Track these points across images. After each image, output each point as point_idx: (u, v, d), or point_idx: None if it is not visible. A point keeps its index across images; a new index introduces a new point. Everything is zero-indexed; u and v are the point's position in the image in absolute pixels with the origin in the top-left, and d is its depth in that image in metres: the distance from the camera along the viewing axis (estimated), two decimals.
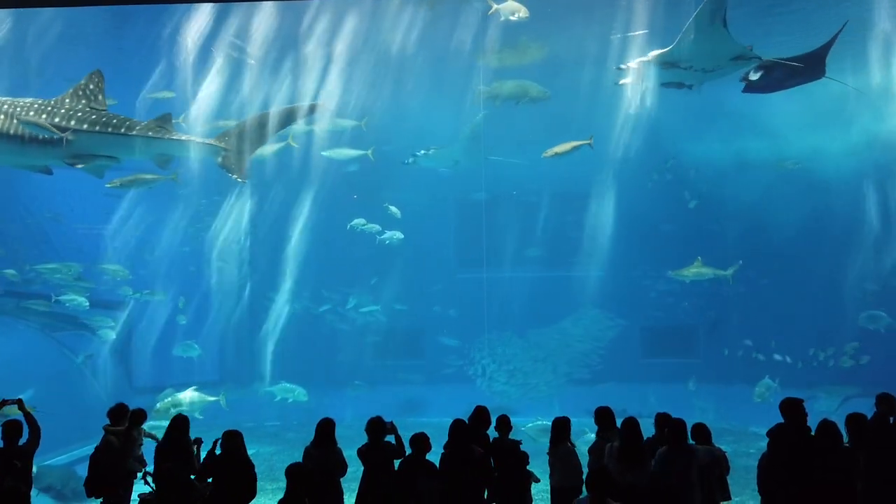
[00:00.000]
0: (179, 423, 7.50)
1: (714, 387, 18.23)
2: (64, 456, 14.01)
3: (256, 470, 7.06)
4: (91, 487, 7.49)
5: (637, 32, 14.58)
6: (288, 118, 13.12)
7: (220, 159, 12.22)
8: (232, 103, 17.45)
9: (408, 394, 19.53)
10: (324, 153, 18.17)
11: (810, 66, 13.27)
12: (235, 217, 20.02)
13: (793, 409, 6.88)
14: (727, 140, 19.50)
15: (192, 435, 7.52)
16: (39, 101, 11.51)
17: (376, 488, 7.01)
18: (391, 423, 7.33)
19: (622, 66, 13.01)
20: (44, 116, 11.18)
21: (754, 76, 13.15)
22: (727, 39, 11.83)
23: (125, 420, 7.71)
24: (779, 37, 15.64)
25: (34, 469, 7.26)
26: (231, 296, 20.26)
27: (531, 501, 7.23)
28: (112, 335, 17.75)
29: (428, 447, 7.03)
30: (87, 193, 16.15)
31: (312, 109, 14.55)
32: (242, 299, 20.40)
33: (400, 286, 20.92)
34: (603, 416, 7.47)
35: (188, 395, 14.69)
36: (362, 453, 7.18)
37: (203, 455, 7.18)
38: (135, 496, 7.33)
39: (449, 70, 17.29)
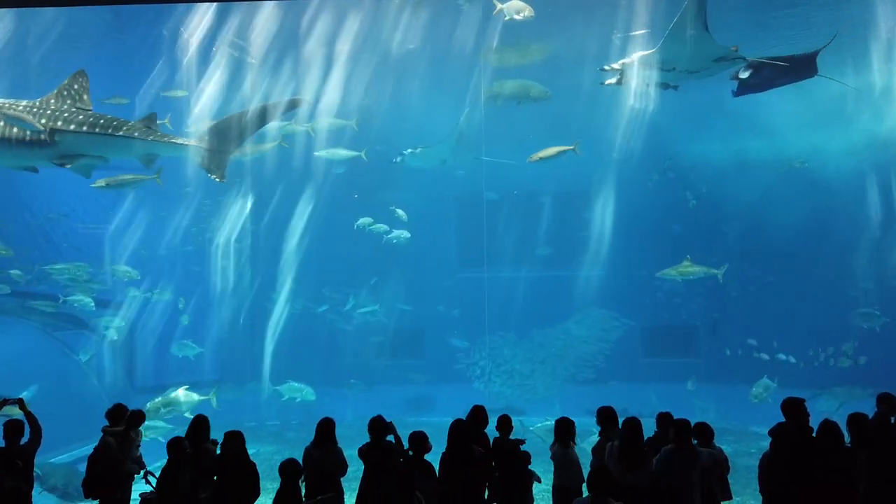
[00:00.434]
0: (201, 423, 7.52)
1: (715, 386, 18.22)
2: (65, 455, 14.02)
3: (257, 469, 7.06)
4: (89, 488, 7.48)
5: (638, 32, 14.57)
6: (267, 115, 13.03)
7: (199, 159, 12.23)
8: (233, 102, 17.46)
9: (410, 393, 19.55)
10: (317, 153, 18.18)
11: (801, 65, 13.36)
12: (237, 217, 20.02)
13: (795, 408, 6.87)
14: (728, 140, 19.49)
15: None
16: (24, 102, 11.52)
17: (376, 488, 7.01)
18: (390, 422, 7.33)
19: (605, 68, 13.13)
20: (29, 117, 11.19)
21: (743, 74, 13.24)
22: (709, 42, 12.01)
23: (123, 421, 7.71)
24: (784, 30, 15.68)
25: (38, 469, 7.26)
26: (232, 295, 20.25)
27: (532, 501, 7.22)
28: (117, 333, 17.77)
29: (426, 447, 7.02)
30: (88, 193, 16.13)
31: (293, 105, 14.43)
32: (243, 299, 20.40)
33: (401, 286, 20.93)
34: (605, 416, 7.47)
35: (179, 395, 14.57)
36: (363, 453, 7.18)
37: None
38: (135, 496, 7.34)
39: (450, 70, 17.29)
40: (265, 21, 15.70)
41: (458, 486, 6.92)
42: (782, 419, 6.97)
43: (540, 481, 7.24)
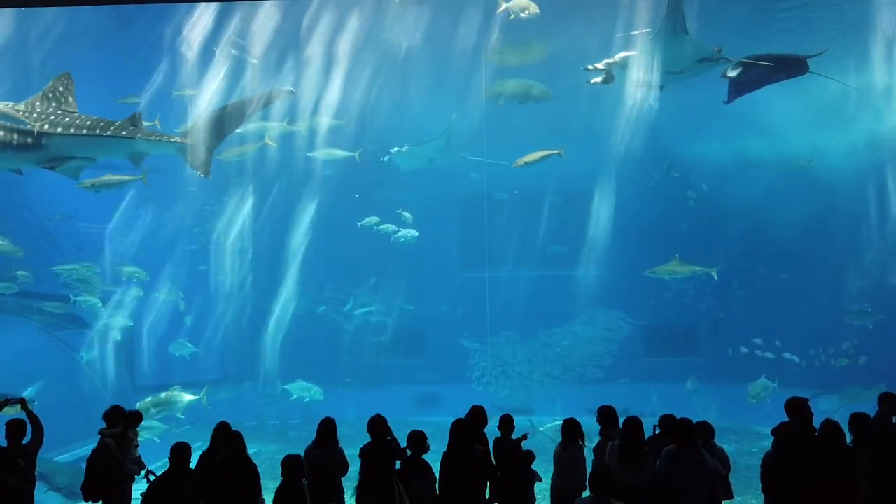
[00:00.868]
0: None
1: (716, 386, 18.21)
2: (67, 455, 14.03)
3: (259, 469, 7.05)
4: (88, 491, 7.48)
5: (639, 31, 14.58)
6: (248, 108, 13.01)
7: (184, 156, 12.26)
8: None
9: (411, 393, 19.53)
10: (310, 154, 18.18)
11: (791, 64, 13.45)
12: (239, 217, 20.02)
13: (798, 408, 6.87)
14: (730, 139, 19.49)
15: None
16: (10, 104, 11.51)
17: (377, 487, 7.00)
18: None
19: (589, 67, 13.24)
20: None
21: (732, 73, 13.44)
22: (690, 45, 12.32)
23: (121, 422, 7.71)
24: (784, 29, 15.70)
25: (43, 468, 7.25)
26: (234, 295, 20.27)
27: (534, 501, 7.22)
28: (122, 333, 17.80)
29: (425, 447, 7.01)
30: (90, 194, 16.15)
31: (274, 97, 14.41)
32: (245, 298, 20.41)
33: (403, 286, 20.93)
34: (606, 416, 7.48)
35: (170, 395, 14.55)
36: (364, 452, 7.18)
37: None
38: (137, 495, 7.33)
39: (451, 69, 17.29)
40: (266, 21, 15.70)
41: (459, 486, 6.92)
42: (783, 418, 6.96)
43: (541, 480, 7.25)
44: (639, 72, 13.05)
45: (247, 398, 19.12)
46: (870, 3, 15.22)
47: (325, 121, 17.82)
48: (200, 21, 15.40)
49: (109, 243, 18.87)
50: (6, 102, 11.51)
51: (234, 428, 7.15)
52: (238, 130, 17.04)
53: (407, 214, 18.83)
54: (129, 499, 7.66)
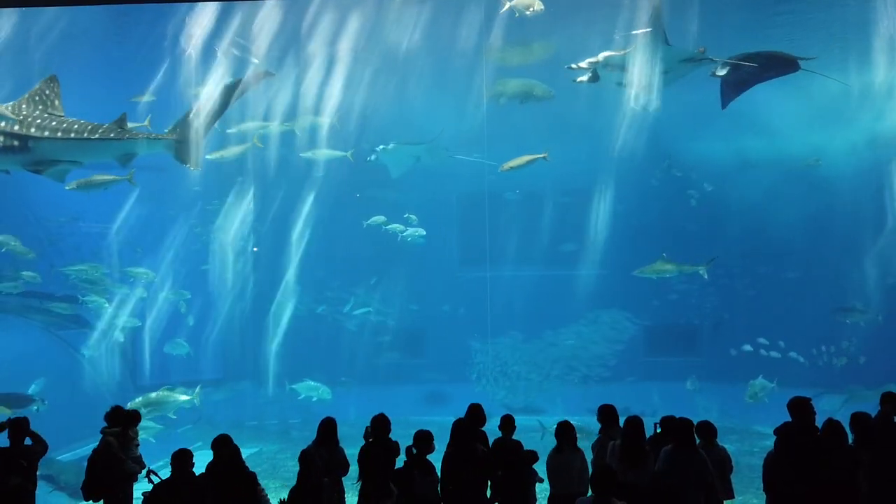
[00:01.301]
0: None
1: (718, 385, 18.20)
2: (68, 454, 14.05)
3: (260, 468, 7.05)
4: (89, 490, 7.48)
5: (640, 31, 14.58)
6: (228, 96, 13.05)
7: (173, 152, 12.30)
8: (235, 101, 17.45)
9: (412, 393, 19.53)
10: (302, 154, 18.21)
11: (780, 62, 13.54)
12: (240, 217, 20.04)
13: (800, 407, 6.86)
14: (731, 139, 19.50)
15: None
16: None
17: (377, 487, 7.01)
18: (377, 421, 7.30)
19: (573, 66, 13.40)
20: (2, 124, 11.15)
21: (721, 72, 13.59)
22: (672, 51, 12.72)
23: (121, 422, 7.72)
24: (782, 29, 15.72)
25: (49, 469, 7.21)
26: (235, 295, 20.28)
27: (535, 500, 7.22)
28: (126, 332, 17.81)
29: (430, 447, 7.01)
30: (94, 195, 16.18)
31: (255, 81, 14.43)
32: (246, 298, 20.42)
33: (404, 286, 20.93)
34: (606, 415, 7.47)
35: (161, 395, 14.43)
36: (364, 451, 7.18)
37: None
38: (138, 494, 7.34)
39: (451, 68, 17.29)
40: (267, 20, 15.71)
41: (460, 485, 6.92)
42: (784, 418, 6.96)
43: (542, 481, 7.24)
44: (622, 71, 13.31)
45: (247, 398, 19.14)
46: (871, 2, 15.21)
47: (313, 119, 17.85)
48: (201, 21, 15.41)
49: (111, 244, 18.90)
50: None
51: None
52: (235, 130, 17.16)
53: (413, 217, 18.87)
54: (131, 498, 7.67)
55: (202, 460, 6.98)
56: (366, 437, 7.25)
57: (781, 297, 19.24)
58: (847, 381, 17.43)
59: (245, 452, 14.68)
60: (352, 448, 7.33)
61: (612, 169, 19.41)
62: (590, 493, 6.23)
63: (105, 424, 7.77)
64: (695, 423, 7.00)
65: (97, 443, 7.63)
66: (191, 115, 12.32)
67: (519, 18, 13.81)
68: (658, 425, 7.22)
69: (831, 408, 15.32)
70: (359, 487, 7.17)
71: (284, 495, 6.52)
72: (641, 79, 13.37)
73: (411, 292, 21.14)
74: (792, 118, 18.42)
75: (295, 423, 17.96)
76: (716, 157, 19.86)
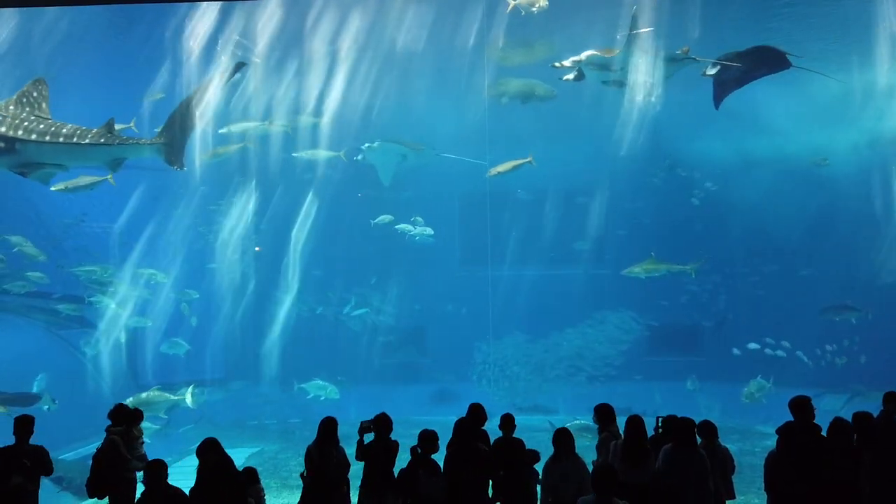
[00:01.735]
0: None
1: (719, 385, 18.18)
2: (70, 453, 14.07)
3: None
4: (94, 488, 7.49)
5: (642, 30, 14.57)
6: (206, 94, 13.14)
7: (160, 155, 12.35)
8: (236, 101, 17.49)
9: (414, 392, 19.53)
10: (294, 154, 18.22)
11: (770, 59, 13.59)
12: (244, 217, 20.06)
13: (801, 407, 6.85)
14: (734, 138, 19.48)
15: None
16: None
17: (379, 486, 7.01)
18: (370, 422, 7.30)
19: (556, 65, 13.48)
20: None
21: (711, 71, 13.71)
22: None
23: (124, 420, 7.73)
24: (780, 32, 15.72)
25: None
26: (237, 294, 20.30)
27: (536, 500, 7.21)
28: (133, 332, 17.84)
29: (435, 447, 6.99)
30: (98, 196, 16.20)
31: (228, 75, 14.50)
32: (248, 298, 20.44)
33: (408, 285, 20.94)
34: (602, 413, 7.43)
35: (151, 395, 14.39)
36: (366, 450, 7.18)
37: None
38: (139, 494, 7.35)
39: (453, 68, 17.29)
40: (269, 20, 15.73)
41: (462, 485, 6.92)
42: (786, 417, 6.94)
43: None
44: (602, 71, 13.47)
45: (249, 397, 19.14)
46: (872, 1, 15.20)
47: (304, 119, 17.88)
48: (203, 20, 15.43)
49: (115, 244, 18.93)
50: None
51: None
52: (225, 130, 17.18)
53: (419, 220, 18.89)
54: (134, 496, 7.67)
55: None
56: (361, 431, 7.23)
57: (785, 296, 19.22)
58: (848, 380, 17.41)
59: (246, 452, 14.72)
60: (353, 448, 7.33)
61: (615, 169, 19.40)
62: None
63: (109, 423, 7.78)
64: (697, 422, 6.99)
65: (100, 442, 7.64)
66: (174, 117, 12.36)
67: (519, 18, 13.82)
68: (660, 418, 7.20)
69: (833, 407, 15.32)
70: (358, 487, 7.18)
71: (284, 495, 6.51)
72: (625, 79, 13.58)
73: (416, 292, 21.12)
74: (800, 118, 18.42)
75: (295, 422, 17.96)
76: (721, 156, 19.84)
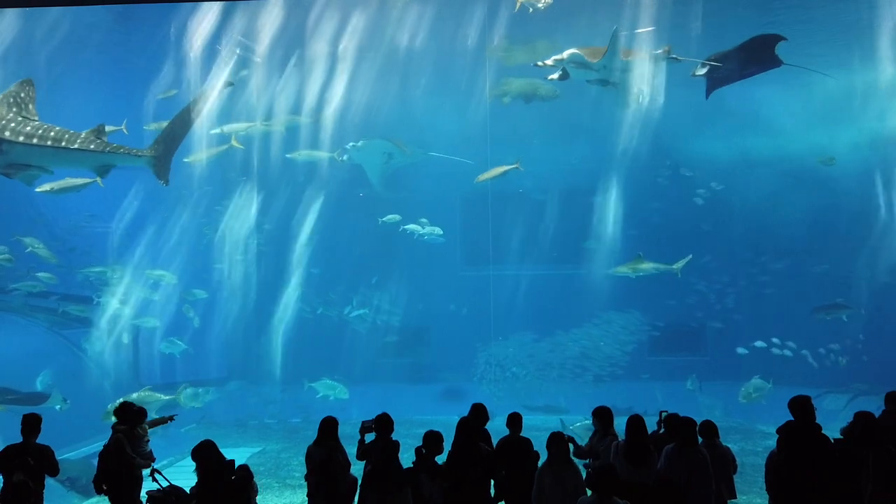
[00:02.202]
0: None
1: (721, 385, 18.16)
2: (73, 452, 14.09)
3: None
4: (102, 484, 7.52)
5: (644, 29, 14.59)
6: (194, 111, 13.09)
7: (150, 167, 12.34)
8: (237, 101, 17.51)
9: (415, 392, 19.52)
10: (288, 155, 18.22)
11: (763, 57, 13.62)
12: (246, 218, 20.08)
13: (802, 406, 6.84)
14: (736, 138, 19.46)
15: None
16: None
17: (380, 486, 7.01)
18: (371, 422, 7.31)
19: (539, 63, 13.58)
20: None
21: (700, 71, 13.88)
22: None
23: (129, 418, 7.76)
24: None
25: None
26: (239, 294, 20.32)
27: None
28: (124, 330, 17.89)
29: (439, 449, 6.98)
30: (100, 196, 16.24)
31: (214, 92, 14.54)
32: (250, 298, 20.46)
33: (411, 285, 20.95)
34: (600, 414, 7.42)
35: (142, 396, 14.41)
36: (367, 449, 7.18)
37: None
38: (144, 493, 7.36)
39: (455, 67, 17.30)
40: (270, 19, 15.74)
41: (465, 484, 6.92)
42: (787, 417, 6.93)
43: None
44: (583, 70, 13.61)
45: (251, 397, 19.14)
46: (872, 0, 15.19)
47: (295, 119, 17.90)
48: (204, 21, 15.45)
49: (117, 244, 18.96)
50: None
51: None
52: (218, 131, 17.21)
53: (425, 221, 18.90)
54: (139, 494, 7.69)
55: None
56: (362, 431, 7.24)
57: (786, 295, 19.20)
58: (851, 380, 17.38)
59: (248, 451, 14.69)
60: (353, 447, 7.34)
61: (617, 168, 19.37)
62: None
63: (108, 423, 7.81)
64: (698, 422, 6.98)
65: (105, 440, 7.68)
66: (166, 133, 12.36)
67: (521, 17, 13.82)
68: (663, 412, 7.21)
69: (835, 407, 15.30)
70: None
71: (286, 494, 6.51)
72: (610, 78, 13.75)
73: (418, 292, 21.12)
74: (804, 117, 18.40)
75: (296, 422, 17.97)
76: (723, 157, 19.81)
